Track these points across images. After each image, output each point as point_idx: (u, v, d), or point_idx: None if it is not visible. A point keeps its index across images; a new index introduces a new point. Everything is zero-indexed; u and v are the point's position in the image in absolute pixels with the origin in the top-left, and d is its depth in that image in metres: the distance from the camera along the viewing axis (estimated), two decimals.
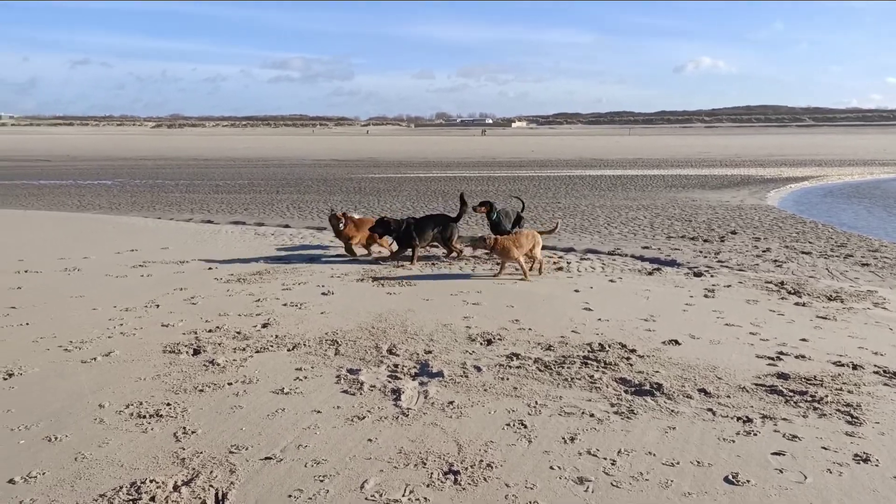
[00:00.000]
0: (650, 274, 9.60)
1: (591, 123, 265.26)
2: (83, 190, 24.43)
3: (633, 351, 6.04)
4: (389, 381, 5.36)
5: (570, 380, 5.36)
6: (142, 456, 4.12)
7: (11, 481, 3.80)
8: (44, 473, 3.88)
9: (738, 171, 32.22)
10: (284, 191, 23.79)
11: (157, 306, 7.70)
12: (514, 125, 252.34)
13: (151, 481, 3.78)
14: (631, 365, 5.69)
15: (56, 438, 4.33)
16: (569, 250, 11.62)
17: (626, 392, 5.11)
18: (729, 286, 8.76)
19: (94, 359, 5.86)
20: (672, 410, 4.75)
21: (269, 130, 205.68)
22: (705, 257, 10.84)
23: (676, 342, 6.29)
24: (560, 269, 9.95)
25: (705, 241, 12.49)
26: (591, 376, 5.42)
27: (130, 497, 3.63)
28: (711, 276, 9.41)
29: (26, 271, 9.59)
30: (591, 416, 4.68)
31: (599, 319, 7.13)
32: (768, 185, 25.26)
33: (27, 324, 6.94)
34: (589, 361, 5.76)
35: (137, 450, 4.19)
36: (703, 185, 25.05)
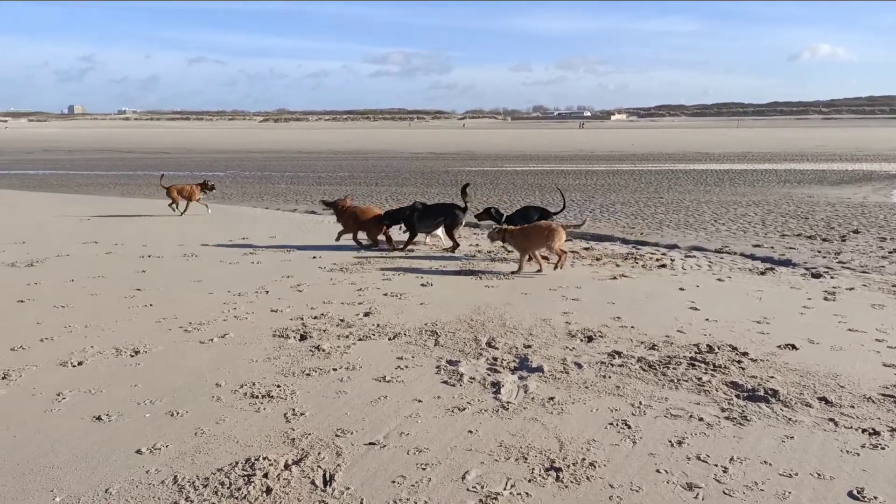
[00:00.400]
0: (762, 274, 9.10)
1: (695, 115, 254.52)
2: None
3: (744, 354, 5.75)
4: (489, 374, 5.36)
5: (676, 381, 5.17)
6: (255, 434, 4.32)
7: (139, 451, 4.09)
8: (167, 446, 4.16)
9: (860, 167, 29.97)
10: (383, 183, 24.31)
11: (267, 292, 8.06)
12: (613, 118, 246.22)
13: (264, 458, 3.97)
14: (743, 369, 5.41)
15: (178, 414, 4.62)
16: (672, 247, 11.21)
17: (737, 397, 4.87)
18: (852, 289, 8.16)
19: (211, 340, 6.22)
20: (789, 419, 4.48)
21: (369, 124, 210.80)
22: (824, 257, 10.15)
23: (793, 347, 5.93)
24: (663, 266, 9.61)
25: (824, 240, 11.70)
26: (699, 379, 5.20)
27: (245, 473, 3.82)
28: (831, 277, 8.81)
29: (150, 256, 10.30)
30: (700, 420, 4.49)
31: (707, 320, 6.83)
32: (894, 181, 23.34)
33: (151, 305, 7.45)
34: (696, 363, 5.54)
35: (251, 428, 4.41)
36: (820, 181, 23.49)
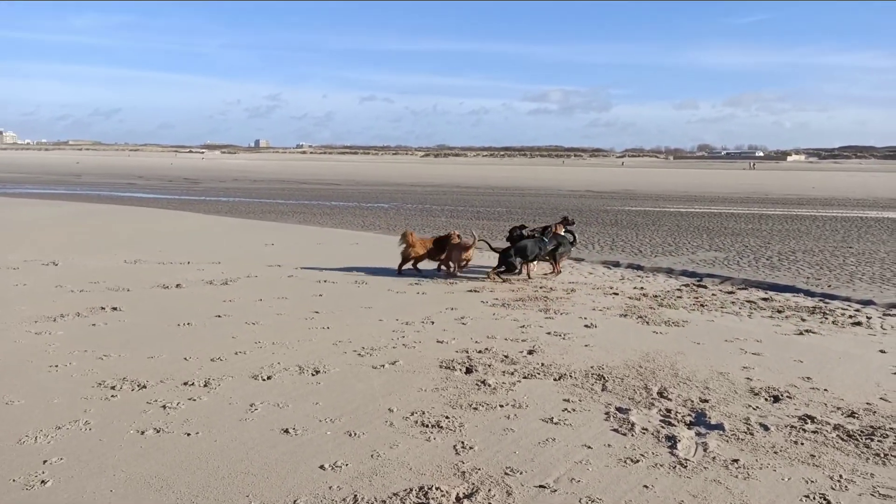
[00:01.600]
0: None
1: (887, 158, 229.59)
2: (365, 211, 27.48)
3: None
4: (662, 427, 5.10)
5: (882, 456, 4.60)
6: (426, 463, 4.42)
7: (322, 467, 4.33)
8: (347, 465, 4.36)
9: None
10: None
11: (433, 323, 8.29)
12: (790, 159, 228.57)
13: (437, 489, 4.04)
14: None
15: (355, 434, 4.85)
16: (867, 303, 10.09)
17: None
18: None
19: (383, 366, 6.49)
20: None
21: (525, 160, 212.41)
22: None
23: None
24: (858, 324, 8.66)
25: None
26: None
27: (419, 500, 3.91)
28: None
29: (325, 281, 11.01)
30: None
31: None
32: None
33: (327, 328, 7.94)
34: None
35: (422, 456, 4.52)
36: None
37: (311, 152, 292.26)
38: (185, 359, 6.55)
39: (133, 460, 4.37)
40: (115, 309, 8.60)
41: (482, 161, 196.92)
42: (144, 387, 5.73)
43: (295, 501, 3.88)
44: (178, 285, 10.28)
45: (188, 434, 4.78)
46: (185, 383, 5.84)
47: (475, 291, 10.43)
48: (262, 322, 8.10)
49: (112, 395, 5.52)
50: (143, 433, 4.79)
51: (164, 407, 5.29)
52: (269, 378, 6.02)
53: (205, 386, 5.78)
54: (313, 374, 6.18)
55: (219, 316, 8.37)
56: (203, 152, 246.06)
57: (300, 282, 10.93)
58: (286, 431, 4.86)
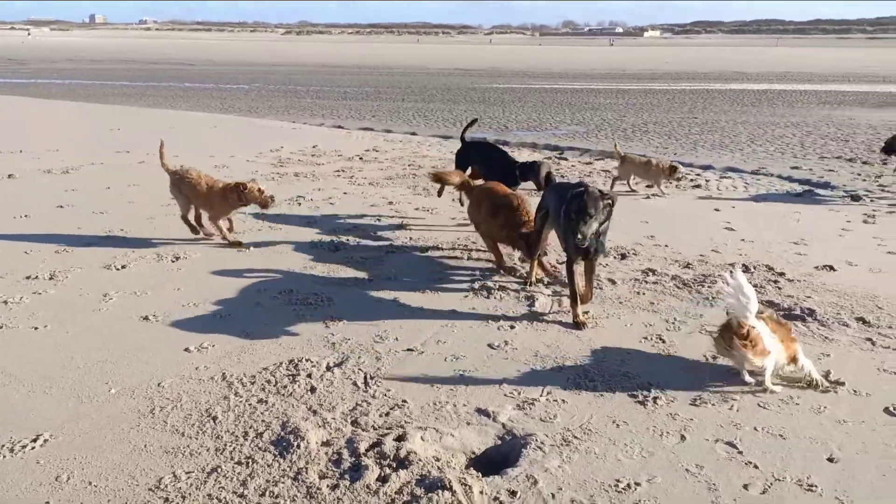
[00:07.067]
0: (800, 196, 8.93)
1: (733, 33, 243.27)
2: (224, 93, 25.71)
3: (781, 274, 5.71)
4: (522, 289, 5.41)
5: (711, 299, 5.18)
6: (297, 338, 4.45)
7: (187, 350, 4.23)
8: (213, 346, 4.30)
9: None
10: (409, 99, 23.90)
11: (299, 204, 8.10)
12: (646, 35, 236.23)
13: (307, 360, 4.10)
14: (779, 288, 5.39)
15: (221, 317, 4.76)
16: (707, 168, 10.99)
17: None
18: (893, 212, 7.99)
19: (249, 248, 6.33)
20: (826, 337, 4.49)
21: (393, 38, 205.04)
22: (864, 181, 9.91)
23: (831, 268, 5.87)
24: (697, 186, 9.45)
25: (864, 163, 11.38)
26: None
27: (289, 372, 3.96)
28: (871, 200, 8.62)
29: (181, 166, 10.31)
30: None
31: (743, 240, 6.77)
32: None
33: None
34: None
35: (292, 332, 4.53)
36: (862, 103, 22.61)
37: (157, 29, 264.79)
38: (26, 252, 6.02)
39: None
40: None
41: (348, 39, 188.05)
42: None
43: (160, 384, 3.80)
44: (10, 175, 9.27)
45: (35, 328, 4.48)
46: (28, 277, 5.40)
47: (341, 173, 10.22)
48: (111, 211, 7.55)
49: None
50: None
51: (5, 302, 4.89)
52: (123, 267, 5.70)
53: (51, 279, 5.38)
54: (173, 261, 5.91)
55: (61, 206, 7.69)
56: (28, 29, 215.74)
57: (153, 168, 10.11)
58: (146, 318, 4.67)
